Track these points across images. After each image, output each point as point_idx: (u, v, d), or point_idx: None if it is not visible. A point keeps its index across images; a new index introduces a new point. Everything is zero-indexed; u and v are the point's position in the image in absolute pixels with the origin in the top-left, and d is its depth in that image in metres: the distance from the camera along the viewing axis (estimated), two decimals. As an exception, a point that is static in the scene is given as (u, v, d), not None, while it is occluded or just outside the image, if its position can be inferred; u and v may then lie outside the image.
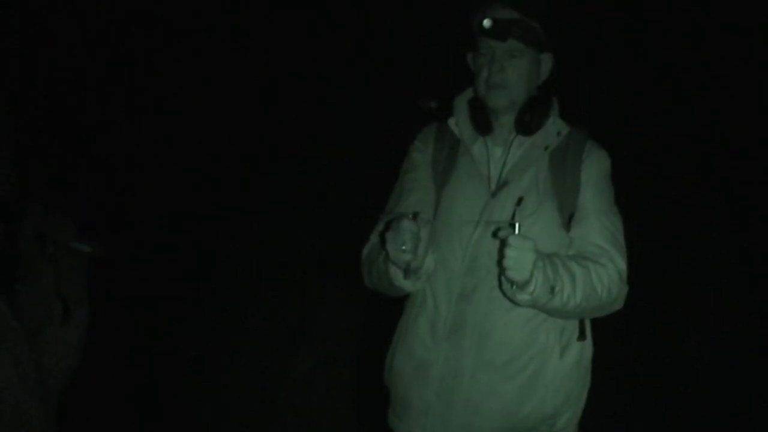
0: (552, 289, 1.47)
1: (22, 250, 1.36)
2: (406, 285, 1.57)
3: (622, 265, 1.62)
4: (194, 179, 5.25)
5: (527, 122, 1.70)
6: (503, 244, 1.42)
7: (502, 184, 1.68)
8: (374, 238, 1.76)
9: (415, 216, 1.45)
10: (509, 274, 1.42)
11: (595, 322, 1.75)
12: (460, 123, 1.78)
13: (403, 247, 1.44)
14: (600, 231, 1.64)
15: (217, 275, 4.78)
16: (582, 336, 1.72)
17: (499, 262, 1.45)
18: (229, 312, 4.36)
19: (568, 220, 1.67)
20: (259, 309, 4.42)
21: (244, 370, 3.76)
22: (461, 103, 1.80)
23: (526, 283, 1.43)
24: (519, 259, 1.40)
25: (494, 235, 1.55)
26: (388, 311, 1.93)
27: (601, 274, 1.57)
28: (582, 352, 1.72)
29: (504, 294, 1.53)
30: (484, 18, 1.64)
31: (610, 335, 1.98)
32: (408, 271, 1.53)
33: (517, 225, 1.42)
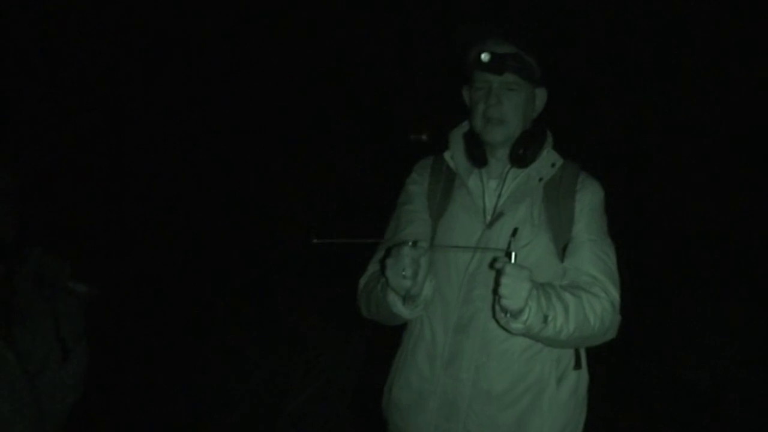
0: (545, 318, 1.48)
1: (20, 292, 1.36)
2: (405, 312, 1.57)
3: (615, 295, 1.64)
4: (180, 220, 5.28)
5: (522, 155, 1.72)
6: (499, 272, 1.43)
7: (497, 216, 1.70)
8: (371, 268, 1.77)
9: (415, 243, 1.46)
10: (504, 302, 1.43)
11: (590, 351, 1.76)
12: (455, 156, 1.80)
13: (404, 273, 1.45)
14: (593, 261, 1.65)
15: (209, 307, 4.78)
16: (578, 365, 1.74)
17: (495, 290, 1.46)
18: (222, 344, 4.35)
19: (562, 251, 1.68)
20: (253, 341, 4.41)
21: (238, 403, 3.73)
22: (457, 136, 1.83)
23: (520, 311, 1.45)
24: (514, 287, 1.41)
25: (491, 265, 1.56)
26: (383, 344, 1.93)
27: (594, 304, 1.58)
28: (578, 381, 1.74)
29: (498, 323, 1.54)
30: (480, 52, 1.67)
31: (606, 364, 1.99)
32: (407, 298, 1.54)
33: (513, 254, 1.44)
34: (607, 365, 1.87)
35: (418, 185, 1.85)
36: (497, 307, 1.49)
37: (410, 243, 1.46)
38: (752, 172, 6.16)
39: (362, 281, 1.78)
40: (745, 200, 6.05)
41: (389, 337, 1.89)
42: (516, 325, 1.47)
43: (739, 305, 4.87)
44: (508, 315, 1.47)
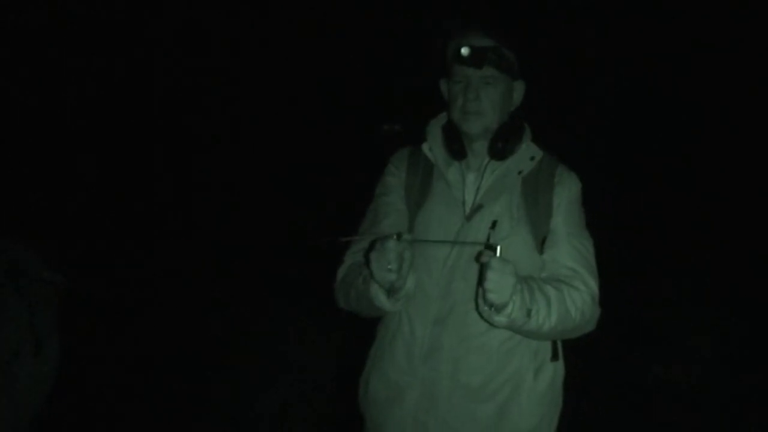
0: (528, 312, 1.49)
1: None
2: (387, 305, 1.56)
3: (594, 287, 1.65)
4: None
5: (500, 148, 1.73)
6: (484, 266, 1.43)
7: (476, 208, 1.70)
8: (349, 260, 1.76)
9: (399, 236, 1.46)
10: (489, 296, 1.43)
11: (566, 343, 1.77)
12: (434, 148, 1.80)
13: (389, 267, 1.45)
14: (572, 254, 1.66)
15: (190, 307, 4.76)
16: (555, 357, 1.74)
17: (479, 283, 1.46)
18: (198, 343, 4.32)
19: (541, 243, 1.69)
20: (231, 339, 4.38)
21: (215, 400, 3.71)
22: (435, 128, 1.83)
23: (504, 305, 1.45)
24: (500, 281, 1.42)
25: (476, 259, 1.56)
26: (359, 338, 1.93)
27: (575, 296, 1.59)
28: (555, 373, 1.75)
29: (481, 316, 1.53)
30: (459, 46, 1.67)
31: (581, 357, 2.00)
32: (390, 292, 1.53)
33: (498, 248, 1.44)
34: (584, 358, 1.87)
35: (395, 177, 1.84)
36: (480, 301, 1.49)
37: (395, 236, 1.45)
38: (744, 169, 6.24)
39: (340, 272, 1.77)
40: (727, 199, 6.12)
41: (365, 331, 1.88)
42: (499, 319, 1.47)
43: (718, 303, 4.92)
44: (492, 308, 1.47)
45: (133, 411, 3.50)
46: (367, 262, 1.51)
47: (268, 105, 6.23)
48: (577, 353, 1.86)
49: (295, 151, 6.26)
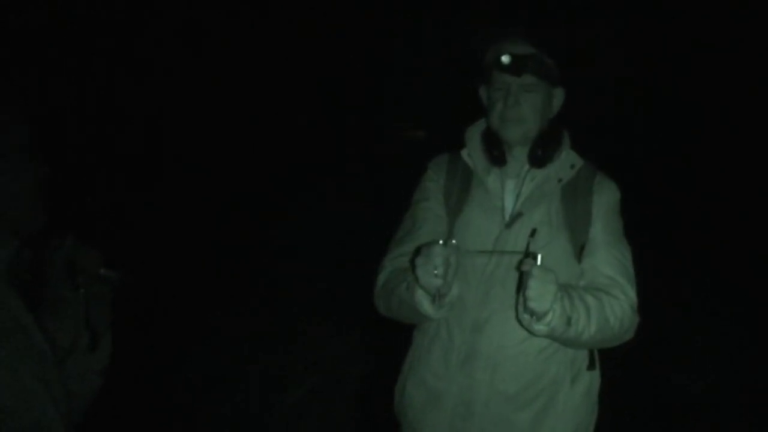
0: (569, 320, 1.48)
1: (50, 278, 1.35)
2: (432, 312, 1.53)
3: (633, 296, 1.65)
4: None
5: (540, 155, 1.72)
6: (526, 275, 1.42)
7: (516, 216, 1.69)
8: (389, 265, 1.75)
9: (446, 242, 1.45)
10: (531, 304, 1.42)
11: (601, 352, 1.77)
12: (473, 155, 1.79)
13: (435, 272, 1.43)
14: (610, 262, 1.66)
15: (210, 301, 4.74)
16: (592, 366, 1.75)
17: (520, 292, 1.46)
18: (221, 338, 4.31)
19: (579, 252, 1.69)
20: (252, 336, 4.37)
21: (236, 397, 3.70)
22: (474, 134, 1.82)
23: (545, 314, 1.45)
24: (541, 290, 1.41)
25: (517, 267, 1.55)
26: (382, 338, 1.92)
27: (614, 305, 1.59)
28: (591, 382, 1.75)
29: (521, 324, 1.53)
30: (499, 53, 1.66)
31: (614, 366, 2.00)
32: (435, 298, 1.51)
33: (539, 256, 1.43)
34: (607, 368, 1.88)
35: (434, 182, 1.83)
36: (520, 309, 1.48)
37: (441, 242, 1.44)
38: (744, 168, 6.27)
39: (381, 278, 1.75)
40: (746, 203, 6.14)
41: (388, 332, 1.88)
42: (539, 327, 1.47)
43: (733, 310, 4.94)
44: (533, 317, 1.46)
45: (142, 412, 3.48)
46: (412, 267, 1.50)
47: (268, 105, 6.21)
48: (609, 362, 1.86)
49: (295, 151, 6.25)
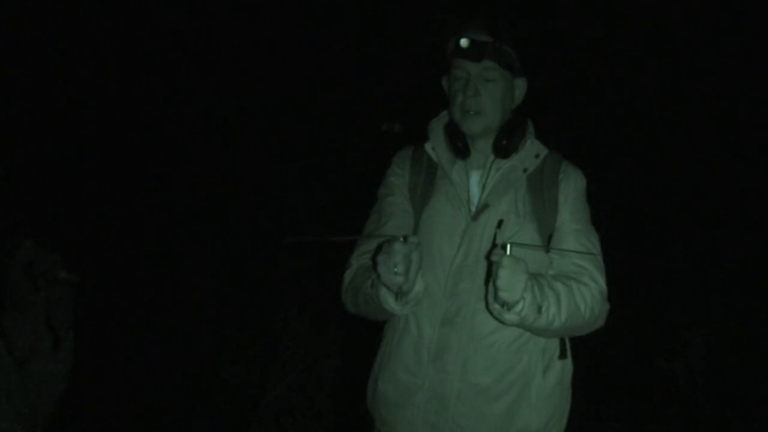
0: (539, 309, 1.48)
1: (9, 281, 1.34)
2: (396, 309, 1.54)
3: (602, 283, 1.65)
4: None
5: (504, 146, 1.71)
6: (496, 265, 1.42)
7: (482, 208, 1.69)
8: (356, 263, 1.74)
9: (406, 238, 1.44)
10: (501, 294, 1.42)
11: (573, 340, 1.77)
12: (437, 147, 1.78)
13: (395, 270, 1.43)
14: (579, 250, 1.66)
15: (190, 302, 4.71)
16: (563, 354, 1.74)
17: (489, 282, 1.45)
18: (201, 336, 4.29)
19: (547, 241, 1.69)
20: (233, 334, 4.35)
21: (217, 394, 3.69)
22: (437, 127, 1.81)
23: (516, 303, 1.44)
24: (512, 279, 1.41)
25: (486, 257, 1.55)
26: (361, 334, 1.91)
27: (584, 293, 1.59)
28: (563, 370, 1.75)
29: (491, 314, 1.52)
30: (459, 39, 1.66)
31: (589, 353, 2.01)
32: (399, 295, 1.51)
33: (508, 246, 1.43)
34: (587, 354, 1.88)
35: (399, 177, 1.82)
36: (491, 299, 1.48)
37: (401, 238, 1.44)
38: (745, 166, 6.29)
39: (347, 276, 1.75)
40: (727, 194, 6.16)
41: (367, 328, 1.87)
42: (510, 317, 1.46)
43: (713, 294, 4.97)
44: (504, 306, 1.45)
45: (133, 410, 3.47)
46: (374, 265, 1.49)
47: (268, 105, 6.18)
48: (585, 349, 1.86)
49: (294, 151, 6.22)
